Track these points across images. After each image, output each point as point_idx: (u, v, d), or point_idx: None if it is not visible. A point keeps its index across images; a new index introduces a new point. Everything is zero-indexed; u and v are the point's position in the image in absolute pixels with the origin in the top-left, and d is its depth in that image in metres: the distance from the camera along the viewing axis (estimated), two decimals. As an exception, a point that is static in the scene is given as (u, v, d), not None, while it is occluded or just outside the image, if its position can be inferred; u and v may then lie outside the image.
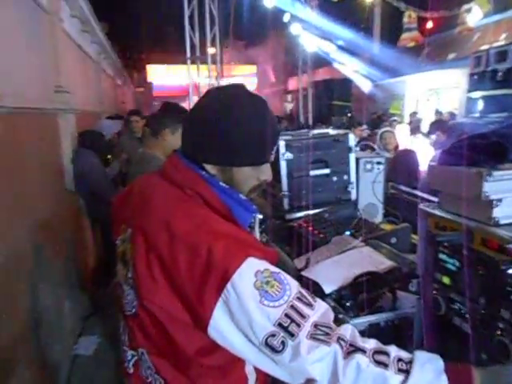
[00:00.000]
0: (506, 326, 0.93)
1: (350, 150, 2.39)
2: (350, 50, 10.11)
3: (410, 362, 0.83)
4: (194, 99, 6.64)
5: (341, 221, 2.18)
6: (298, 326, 0.79)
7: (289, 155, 2.28)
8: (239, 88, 1.01)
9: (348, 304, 1.31)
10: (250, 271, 0.81)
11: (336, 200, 2.40)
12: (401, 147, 4.53)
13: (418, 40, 7.81)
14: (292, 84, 16.64)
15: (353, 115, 10.87)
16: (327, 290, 1.41)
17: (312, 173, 2.33)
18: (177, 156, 1.02)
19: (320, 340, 0.79)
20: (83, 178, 3.91)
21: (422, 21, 7.69)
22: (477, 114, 6.69)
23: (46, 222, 2.98)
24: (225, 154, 0.95)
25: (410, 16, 7.41)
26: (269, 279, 0.81)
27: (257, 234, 1.12)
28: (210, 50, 6.43)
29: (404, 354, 0.86)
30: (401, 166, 3.54)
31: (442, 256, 1.13)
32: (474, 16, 6.80)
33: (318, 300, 0.87)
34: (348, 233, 1.95)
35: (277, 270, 0.85)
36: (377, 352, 0.84)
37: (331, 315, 0.87)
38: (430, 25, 7.79)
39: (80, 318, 3.57)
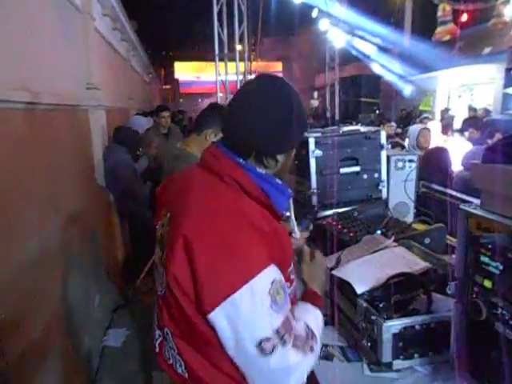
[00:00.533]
0: (555, 334, 0.88)
1: (381, 147, 2.34)
2: (380, 45, 9.88)
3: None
4: (221, 96, 6.67)
5: (371, 219, 2.14)
6: (289, 335, 0.88)
7: (318, 152, 2.24)
8: (281, 79, 1.02)
9: (381, 305, 1.28)
10: (269, 278, 0.86)
11: (366, 198, 2.36)
12: (432, 145, 4.39)
13: (454, 33, 7.52)
14: (319, 81, 16.46)
15: (381, 112, 10.64)
16: (359, 290, 1.38)
17: (342, 170, 2.29)
18: (216, 145, 1.04)
19: (299, 348, 0.89)
20: (113, 174, 3.99)
21: (456, 13, 7.41)
22: (514, 111, 6.42)
23: (77, 216, 3.05)
24: (280, 143, 0.98)
25: (444, 9, 7.16)
26: (279, 290, 0.88)
27: (292, 215, 1.23)
28: (238, 47, 6.42)
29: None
30: (433, 165, 3.44)
31: (483, 258, 1.07)
32: (510, 8, 6.50)
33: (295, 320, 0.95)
34: (379, 232, 1.90)
35: (283, 280, 0.92)
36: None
37: (302, 330, 0.96)
38: (464, 17, 7.51)
39: (109, 311, 3.65)
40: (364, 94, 12.54)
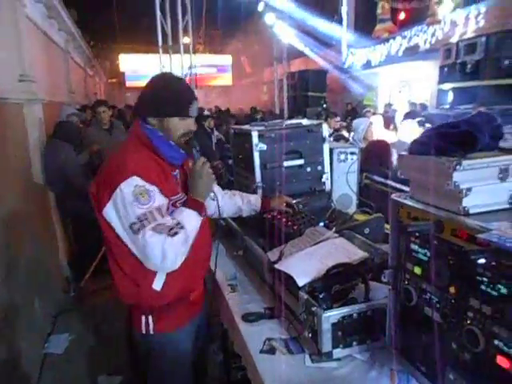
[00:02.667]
0: (476, 315, 0.93)
1: (323, 140, 2.38)
2: (324, 40, 10.10)
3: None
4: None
5: (315, 212, 2.17)
6: (149, 222, 1.33)
7: (262, 146, 2.24)
8: (167, 73, 1.79)
9: (321, 296, 1.30)
10: (132, 183, 1.35)
11: (310, 191, 2.39)
12: (375, 138, 4.56)
13: (392, 31, 7.86)
14: (268, 75, 16.54)
15: (328, 106, 10.89)
16: (300, 282, 1.39)
17: (286, 163, 2.30)
18: (137, 118, 1.54)
19: (157, 231, 1.32)
20: (62, 173, 3.79)
21: (394, 12, 7.73)
22: (447, 106, 6.81)
23: (11, 216, 2.85)
24: (158, 108, 1.47)
25: (383, 7, 7.44)
26: (142, 192, 1.35)
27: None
28: (185, 40, 6.27)
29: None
30: (374, 157, 3.56)
31: (413, 246, 1.12)
32: (444, 8, 6.89)
33: (167, 216, 1.40)
34: (322, 224, 1.93)
35: (151, 188, 1.38)
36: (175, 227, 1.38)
37: (170, 223, 1.38)
38: (402, 16, 7.86)
39: (50, 316, 3.46)
40: (311, 89, 12.76)
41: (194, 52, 6.97)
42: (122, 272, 1.47)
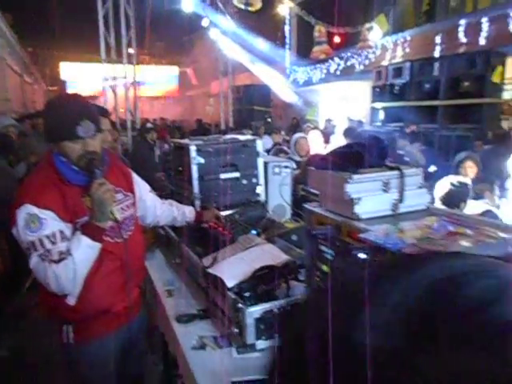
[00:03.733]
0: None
1: (257, 154, 2.57)
2: (266, 59, 10.51)
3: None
4: (110, 99, 6.45)
5: (250, 221, 2.34)
6: (36, 250, 1.41)
7: (200, 159, 2.38)
8: (57, 96, 1.75)
9: (246, 295, 1.46)
10: (24, 210, 1.42)
11: (246, 202, 2.56)
12: (313, 152, 4.85)
13: (328, 53, 8.40)
14: (215, 87, 16.76)
15: (272, 120, 11.27)
16: (229, 284, 1.54)
17: (223, 176, 2.46)
18: None
19: (44, 259, 1.40)
20: None
21: (330, 35, 8.29)
22: (379, 123, 7.39)
23: None
24: (48, 134, 1.52)
25: (320, 30, 7.97)
26: (34, 219, 1.42)
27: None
28: (127, 51, 6.28)
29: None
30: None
31: (322, 247, 1.32)
32: (374, 34, 7.51)
33: (60, 244, 1.44)
34: (254, 232, 2.10)
35: (44, 215, 1.43)
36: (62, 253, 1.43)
37: (60, 249, 1.43)
38: (337, 39, 8.44)
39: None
40: (256, 103, 13.15)
41: (138, 63, 6.98)
42: (42, 285, 1.50)
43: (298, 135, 5.27)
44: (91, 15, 6.28)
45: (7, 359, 3.08)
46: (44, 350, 3.12)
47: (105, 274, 1.54)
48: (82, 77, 16.54)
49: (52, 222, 1.43)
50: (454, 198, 3.02)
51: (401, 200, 1.21)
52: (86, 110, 1.53)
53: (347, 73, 9.08)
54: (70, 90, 17.89)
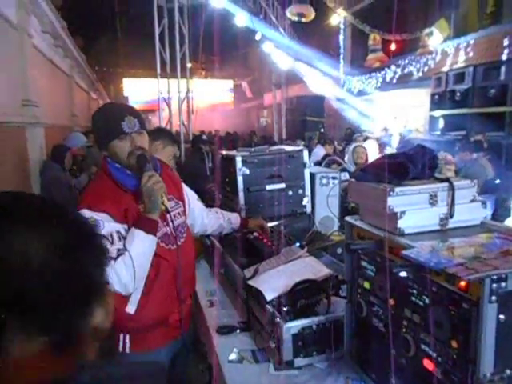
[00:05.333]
0: (408, 324, 1.05)
1: (304, 165, 2.53)
2: (320, 69, 10.45)
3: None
4: (165, 113, 6.74)
5: (295, 233, 2.30)
6: None
7: (245, 170, 2.39)
8: (104, 104, 1.82)
9: (285, 309, 1.42)
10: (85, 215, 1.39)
11: (292, 213, 2.52)
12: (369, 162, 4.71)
13: (383, 61, 8.16)
14: (268, 99, 16.94)
15: (325, 131, 11.15)
16: (268, 297, 1.51)
17: (268, 187, 2.45)
18: None
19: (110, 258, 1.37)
20: (47, 192, 3.93)
21: (386, 42, 8.05)
22: (438, 132, 7.01)
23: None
24: (98, 139, 1.62)
25: (374, 38, 7.76)
26: (91, 222, 1.33)
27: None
28: (181, 66, 6.55)
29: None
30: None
31: (363, 263, 1.25)
32: (434, 39, 7.18)
33: (118, 243, 1.45)
34: (298, 244, 2.06)
35: (99, 217, 1.43)
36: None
37: (120, 246, 1.45)
38: (393, 47, 8.18)
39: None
40: (309, 113, 13.08)
41: (191, 77, 7.23)
42: None
43: (355, 144, 5.16)
44: (150, 33, 6.64)
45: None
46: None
47: (162, 283, 1.56)
48: (142, 92, 17.47)
49: (108, 224, 1.45)
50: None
51: (451, 214, 1.11)
52: (128, 108, 1.65)
53: (404, 80, 8.75)
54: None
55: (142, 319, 1.54)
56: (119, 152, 1.53)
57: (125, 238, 1.47)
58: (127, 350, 1.58)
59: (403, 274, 0.96)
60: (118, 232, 1.47)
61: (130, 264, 1.41)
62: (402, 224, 1.08)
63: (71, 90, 7.69)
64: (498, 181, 4.53)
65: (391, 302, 1.11)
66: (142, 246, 1.46)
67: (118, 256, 1.41)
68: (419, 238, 1.07)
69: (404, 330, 1.06)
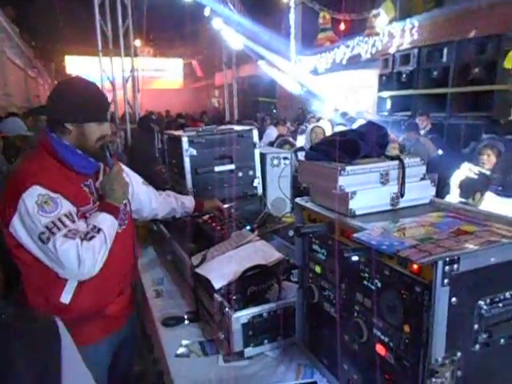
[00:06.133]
0: (360, 309, 1.01)
1: (254, 145, 2.44)
2: (271, 47, 10.30)
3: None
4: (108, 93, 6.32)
5: (246, 216, 2.22)
6: (58, 229, 1.31)
7: (192, 151, 2.26)
8: (78, 77, 1.61)
9: (234, 298, 1.34)
10: (34, 193, 1.32)
11: (242, 195, 2.44)
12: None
13: (333, 40, 8.18)
14: (219, 79, 16.59)
15: (277, 111, 11.10)
16: (217, 285, 1.42)
17: (217, 168, 2.34)
18: (44, 127, 1.52)
19: (69, 237, 1.30)
20: None
21: (336, 22, 8.07)
22: (386, 113, 7.17)
23: None
24: (78, 113, 1.44)
25: (324, 17, 7.73)
26: (47, 200, 1.33)
27: (100, 177, 1.57)
28: (125, 42, 6.15)
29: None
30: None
31: (314, 247, 1.19)
32: (381, 21, 7.27)
33: (80, 222, 1.40)
34: (248, 228, 1.98)
35: (55, 195, 1.35)
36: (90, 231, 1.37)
37: (85, 228, 1.38)
38: (342, 27, 8.20)
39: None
40: (262, 94, 12.96)
41: (136, 55, 6.83)
42: (30, 286, 1.44)
43: (313, 124, 5.14)
44: (92, 9, 6.14)
45: None
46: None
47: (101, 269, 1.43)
48: (86, 70, 16.43)
49: (65, 202, 1.36)
50: (469, 187, 2.86)
51: (401, 194, 1.07)
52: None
53: (353, 61, 8.85)
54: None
55: (78, 310, 1.42)
56: (91, 135, 1.47)
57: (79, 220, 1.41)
58: None
59: (355, 258, 0.91)
60: (75, 213, 1.40)
61: (105, 246, 1.38)
62: (353, 205, 1.03)
63: (3, 67, 7.03)
64: (440, 152, 4.71)
65: (342, 286, 1.07)
66: (112, 230, 1.44)
67: (92, 237, 1.35)
68: (370, 218, 1.02)
69: (356, 314, 1.02)
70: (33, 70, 12.02)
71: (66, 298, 1.40)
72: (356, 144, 1.03)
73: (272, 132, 7.24)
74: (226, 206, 2.24)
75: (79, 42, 16.57)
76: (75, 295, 1.41)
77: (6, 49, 7.49)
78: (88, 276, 1.37)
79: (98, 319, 1.51)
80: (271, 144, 5.47)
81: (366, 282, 0.97)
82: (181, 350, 1.37)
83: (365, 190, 1.04)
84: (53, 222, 1.30)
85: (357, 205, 1.03)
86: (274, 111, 11.81)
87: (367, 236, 0.86)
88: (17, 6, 10.44)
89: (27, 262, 1.39)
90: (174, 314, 1.60)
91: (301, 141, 5.94)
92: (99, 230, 1.38)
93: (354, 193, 1.02)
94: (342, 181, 1.01)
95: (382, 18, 7.19)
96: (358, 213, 1.04)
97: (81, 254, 1.31)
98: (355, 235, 0.89)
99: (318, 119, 7.93)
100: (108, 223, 1.42)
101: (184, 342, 1.41)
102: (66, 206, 1.36)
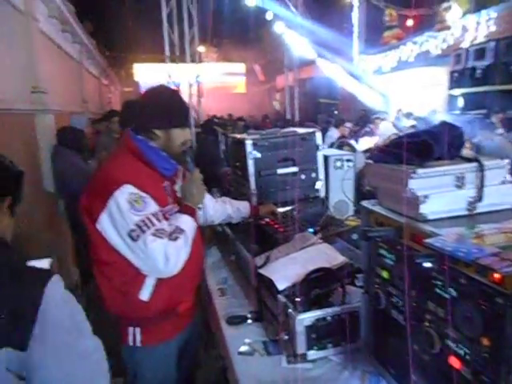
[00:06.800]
0: (432, 318, 0.96)
1: (317, 147, 2.42)
2: (334, 48, 10.14)
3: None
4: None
5: (308, 218, 2.21)
6: (148, 228, 1.36)
7: (256, 154, 2.30)
8: (164, 85, 1.77)
9: (298, 300, 1.34)
10: (126, 191, 1.38)
11: (305, 197, 2.43)
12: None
13: (400, 37, 7.85)
14: (280, 82, 16.65)
15: (339, 113, 10.89)
16: (280, 286, 1.44)
17: (280, 171, 2.35)
18: (126, 130, 1.59)
19: (158, 236, 1.36)
20: (63, 179, 3.89)
21: (402, 18, 7.73)
22: (457, 111, 6.76)
23: (24, 224, 2.96)
24: (166, 119, 1.53)
25: (390, 14, 7.44)
26: (137, 199, 1.38)
27: (179, 181, 1.67)
28: (191, 49, 6.40)
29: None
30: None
31: (381, 251, 1.16)
32: (453, 14, 6.85)
33: (164, 221, 1.45)
34: (311, 230, 1.97)
35: (145, 195, 1.41)
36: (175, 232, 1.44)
37: (169, 228, 1.44)
38: (410, 22, 7.84)
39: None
40: (323, 96, 12.80)
41: (201, 61, 7.08)
42: (110, 283, 1.49)
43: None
44: (159, 16, 6.47)
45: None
46: (107, 338, 3.25)
47: None
48: (152, 77, 17.34)
49: (152, 202, 1.43)
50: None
51: (479, 198, 1.01)
52: None
53: (421, 59, 8.43)
54: (143, 91, 18.92)
55: (155, 307, 1.49)
56: (176, 139, 1.55)
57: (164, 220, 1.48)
58: (138, 344, 1.54)
59: (427, 264, 0.87)
60: (160, 213, 1.45)
61: (187, 245, 1.44)
62: (424, 209, 0.98)
63: (81, 76, 7.63)
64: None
65: (412, 293, 1.03)
66: (193, 232, 1.51)
67: (176, 237, 1.41)
68: (444, 224, 0.97)
69: (427, 324, 0.98)
70: (106, 78, 12.90)
71: (144, 295, 1.46)
72: (428, 145, 0.99)
73: (333, 133, 7.13)
74: (284, 209, 2.26)
75: (146, 50, 17.55)
76: (154, 293, 1.46)
77: (84, 60, 8.12)
78: (170, 274, 1.42)
79: (172, 317, 1.57)
80: (331, 145, 5.39)
81: (438, 290, 0.93)
82: (244, 348, 1.40)
83: (438, 193, 0.99)
84: (143, 221, 1.36)
85: (428, 209, 0.99)
86: (336, 113, 11.60)
87: (441, 242, 0.82)
88: (94, 20, 11.31)
89: (109, 258, 1.45)
90: (237, 312, 1.64)
91: (364, 143, 5.79)
92: (182, 230, 1.44)
93: (426, 196, 0.98)
94: (413, 184, 0.97)
95: (453, 11, 6.77)
96: (429, 217, 0.99)
97: (168, 253, 1.36)
98: (428, 241, 0.85)
99: (382, 120, 7.66)
100: (189, 225, 1.50)
101: (247, 341, 1.44)
102: (153, 206, 1.42)
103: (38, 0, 4.23)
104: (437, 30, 7.21)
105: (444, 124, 1.09)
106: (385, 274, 1.15)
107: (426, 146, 1.00)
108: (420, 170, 0.97)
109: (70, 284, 4.09)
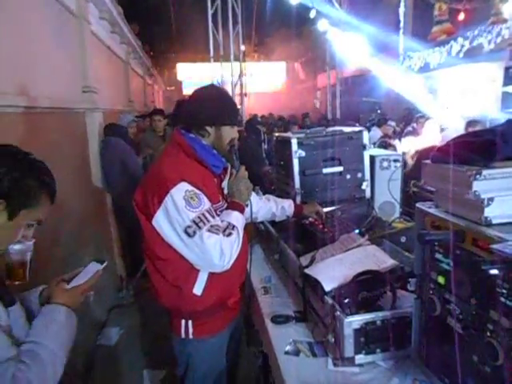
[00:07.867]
0: (495, 328, 0.91)
1: (364, 147, 2.36)
2: (379, 45, 9.86)
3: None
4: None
5: (353, 219, 2.16)
6: (204, 224, 1.40)
7: (301, 153, 2.28)
8: (214, 84, 1.95)
9: (345, 301, 1.31)
10: (182, 189, 1.42)
11: (350, 198, 2.38)
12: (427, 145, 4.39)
13: (450, 32, 7.49)
14: (321, 80, 16.44)
15: (382, 111, 10.60)
16: (327, 287, 1.41)
17: (325, 170, 2.32)
18: (176, 128, 1.63)
19: (213, 232, 1.41)
20: (117, 166, 4.03)
21: (453, 12, 7.38)
22: (512, 110, 6.38)
23: (73, 218, 3.10)
24: (218, 117, 1.57)
25: (440, 8, 7.12)
26: (193, 196, 1.42)
27: (227, 178, 1.70)
28: (234, 49, 6.46)
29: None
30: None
31: (437, 255, 1.10)
32: (509, 5, 6.45)
33: (217, 217, 1.49)
34: (357, 231, 1.93)
35: (199, 192, 1.45)
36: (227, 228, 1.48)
37: (222, 224, 1.48)
38: (461, 16, 7.46)
39: (105, 309, 3.71)
40: (365, 94, 12.50)
41: (244, 60, 7.12)
42: (164, 278, 1.53)
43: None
44: (203, 17, 6.58)
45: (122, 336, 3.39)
46: (151, 330, 3.36)
47: None
48: (195, 76, 17.65)
49: (206, 198, 1.46)
50: None
51: (551, 202, 0.94)
52: None
53: (472, 54, 8.00)
54: (185, 90, 19.33)
55: (208, 301, 1.54)
56: (225, 137, 1.59)
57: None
58: (190, 336, 1.60)
59: (494, 271, 0.82)
60: (212, 210, 1.49)
61: (239, 241, 1.48)
62: (489, 212, 0.93)
63: (128, 76, 7.89)
64: None
65: (472, 301, 0.97)
66: (243, 228, 1.54)
67: (230, 233, 1.45)
68: (510, 229, 0.91)
69: (489, 334, 0.92)
70: (150, 78, 13.28)
71: (198, 289, 1.51)
72: (493, 145, 0.93)
73: (375, 133, 6.94)
74: (330, 208, 2.22)
75: (189, 50, 17.90)
76: (206, 287, 1.51)
77: (131, 60, 8.38)
78: (223, 269, 1.45)
79: (221, 311, 1.62)
80: (373, 145, 5.24)
81: (503, 299, 0.87)
82: (289, 348, 1.39)
83: (504, 196, 0.93)
84: (198, 217, 1.40)
85: (494, 212, 0.93)
86: (379, 111, 11.29)
87: (511, 248, 0.77)
88: (140, 21, 11.67)
89: (164, 255, 1.50)
90: (281, 311, 1.63)
91: (407, 143, 5.59)
92: (234, 226, 1.48)
93: (491, 199, 0.92)
94: (478, 186, 0.92)
95: (510, 3, 6.37)
96: (494, 221, 0.93)
97: (223, 248, 1.40)
98: (495, 246, 0.80)
99: (427, 119, 7.36)
100: (240, 221, 1.53)
101: (293, 340, 1.42)
102: (207, 203, 1.46)
103: (91, 3, 4.41)
104: (490, 24, 6.82)
105: (510, 122, 1.02)
106: (441, 280, 1.10)
107: (490, 145, 0.94)
108: (485, 171, 0.91)
109: (115, 276, 4.25)
